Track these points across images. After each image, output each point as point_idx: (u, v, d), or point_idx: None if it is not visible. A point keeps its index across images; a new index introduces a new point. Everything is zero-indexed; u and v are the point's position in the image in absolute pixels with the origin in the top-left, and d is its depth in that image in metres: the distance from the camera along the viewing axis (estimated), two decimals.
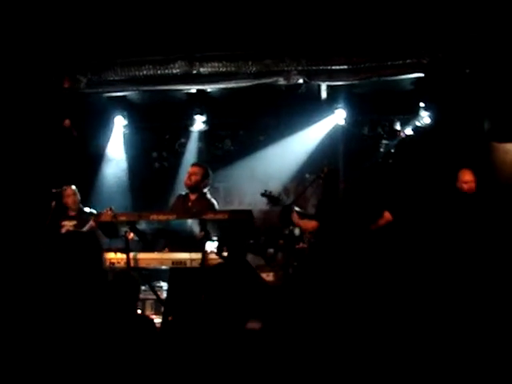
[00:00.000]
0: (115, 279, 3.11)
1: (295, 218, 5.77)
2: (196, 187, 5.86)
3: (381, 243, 5.61)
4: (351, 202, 5.73)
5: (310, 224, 5.82)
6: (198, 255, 5.03)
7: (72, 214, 6.44)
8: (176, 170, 8.09)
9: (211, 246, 5.06)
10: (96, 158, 8.21)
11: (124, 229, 5.18)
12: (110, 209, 5.81)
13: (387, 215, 5.73)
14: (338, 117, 7.72)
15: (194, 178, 5.85)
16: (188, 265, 5.08)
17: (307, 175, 6.69)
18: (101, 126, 8.24)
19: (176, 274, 5.51)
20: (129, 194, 8.35)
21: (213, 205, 5.88)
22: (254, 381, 2.20)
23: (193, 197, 5.89)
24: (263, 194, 6.15)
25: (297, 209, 5.87)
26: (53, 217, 6.14)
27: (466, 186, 5.87)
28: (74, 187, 6.49)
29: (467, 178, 5.88)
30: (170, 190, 7.35)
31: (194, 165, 6.10)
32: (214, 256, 5.01)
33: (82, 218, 6.29)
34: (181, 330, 2.78)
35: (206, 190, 5.94)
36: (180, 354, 2.38)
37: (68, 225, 6.33)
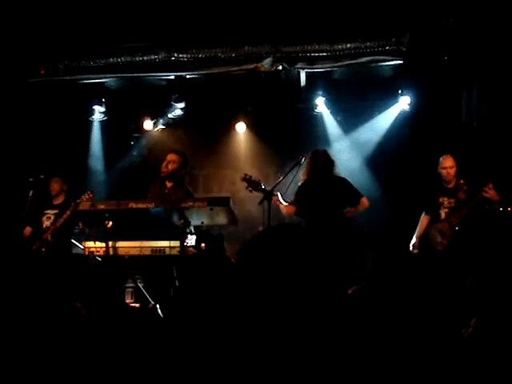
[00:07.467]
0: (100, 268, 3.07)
1: (277, 201, 5.75)
2: (172, 175, 5.84)
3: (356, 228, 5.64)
4: (327, 186, 5.72)
5: (288, 208, 5.79)
6: (176, 243, 4.98)
7: (56, 203, 6.48)
8: (154, 158, 8.01)
9: (190, 239, 5.02)
10: (73, 146, 8.10)
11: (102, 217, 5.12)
12: (91, 192, 5.81)
13: (364, 201, 5.74)
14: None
15: (171, 166, 5.82)
16: (167, 252, 5.04)
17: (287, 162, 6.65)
18: (78, 113, 8.15)
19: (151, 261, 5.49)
20: (107, 183, 8.30)
21: (190, 192, 5.85)
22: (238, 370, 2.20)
23: (169, 184, 5.87)
24: (243, 179, 6.09)
25: (279, 194, 5.84)
26: (30, 206, 6.12)
27: (444, 172, 5.91)
28: (58, 177, 6.52)
29: (448, 164, 5.92)
30: (148, 178, 7.29)
31: (172, 152, 5.98)
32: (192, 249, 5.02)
33: (65, 207, 6.24)
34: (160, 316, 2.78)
35: (182, 178, 5.92)
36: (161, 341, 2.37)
37: (49, 213, 6.40)
